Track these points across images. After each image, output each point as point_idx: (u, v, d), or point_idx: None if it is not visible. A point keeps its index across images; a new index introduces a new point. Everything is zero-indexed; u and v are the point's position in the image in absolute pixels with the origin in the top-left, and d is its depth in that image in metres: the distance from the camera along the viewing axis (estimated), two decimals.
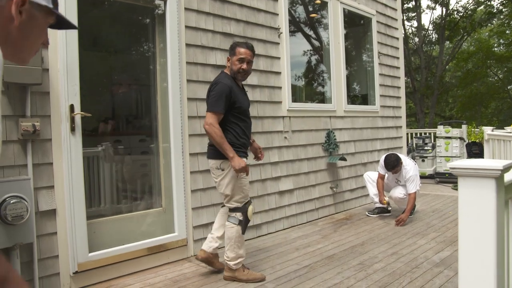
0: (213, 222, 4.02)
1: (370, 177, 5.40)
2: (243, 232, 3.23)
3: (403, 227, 4.75)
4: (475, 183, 1.53)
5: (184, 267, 3.58)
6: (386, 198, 5.12)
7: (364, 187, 5.80)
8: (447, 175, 7.60)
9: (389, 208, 5.24)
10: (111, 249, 3.33)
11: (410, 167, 4.91)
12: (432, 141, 8.69)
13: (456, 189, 7.19)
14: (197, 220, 3.92)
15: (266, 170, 4.59)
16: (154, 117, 3.92)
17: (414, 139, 8.83)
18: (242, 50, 3.22)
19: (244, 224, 3.22)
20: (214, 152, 3.19)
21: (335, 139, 5.48)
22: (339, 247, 4.09)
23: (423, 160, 8.17)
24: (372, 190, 5.35)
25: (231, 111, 3.18)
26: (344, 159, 5.43)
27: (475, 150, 7.08)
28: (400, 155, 5.01)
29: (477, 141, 8.02)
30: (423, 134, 9.30)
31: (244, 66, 3.22)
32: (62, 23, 1.09)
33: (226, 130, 3.15)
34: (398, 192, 5.03)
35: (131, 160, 4.13)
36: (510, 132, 6.17)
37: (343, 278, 3.30)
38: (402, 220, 4.78)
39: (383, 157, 5.08)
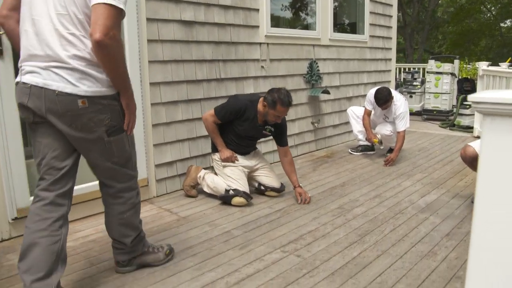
0: (179, 160, 3.65)
1: (355, 113, 4.97)
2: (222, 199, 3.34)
3: (387, 167, 4.42)
4: None
5: (144, 210, 3.20)
6: (378, 136, 4.71)
7: (347, 123, 5.40)
8: (435, 112, 7.24)
9: (382, 147, 4.85)
10: None
11: (400, 103, 4.48)
12: (422, 76, 8.23)
13: (444, 127, 6.94)
14: (159, 158, 3.49)
15: None
16: None
17: (402, 73, 8.37)
18: (283, 109, 3.18)
19: (221, 197, 3.33)
20: (212, 146, 3.51)
21: (318, 70, 4.97)
22: (318, 189, 3.74)
23: (410, 96, 7.75)
24: (357, 126, 4.96)
25: (232, 125, 3.33)
26: (328, 92, 4.97)
27: (466, 86, 6.68)
28: (392, 90, 4.55)
29: (469, 77, 7.59)
30: (412, 69, 8.82)
31: (279, 120, 3.27)
32: None
33: (225, 133, 3.37)
34: (385, 129, 4.64)
35: None
36: (508, 68, 5.74)
37: (319, 224, 2.96)
38: (392, 160, 4.43)
39: (372, 91, 4.61)
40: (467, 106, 6.37)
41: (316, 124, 5.06)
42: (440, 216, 3.09)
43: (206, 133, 3.52)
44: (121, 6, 1.68)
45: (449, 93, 7.17)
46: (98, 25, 1.63)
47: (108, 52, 1.69)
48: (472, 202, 3.35)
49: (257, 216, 3.11)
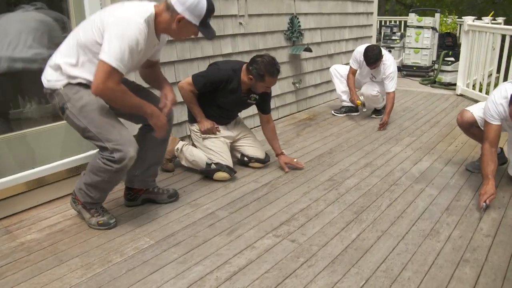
0: None
1: (338, 71, 4.68)
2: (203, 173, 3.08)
3: (373, 131, 4.20)
4: None
5: (117, 189, 2.87)
6: (361, 98, 4.46)
7: (329, 81, 5.12)
8: (414, 68, 7.03)
9: (364, 110, 4.61)
10: (19, 174, 2.54)
11: (390, 62, 4.20)
12: (401, 30, 7.94)
13: (425, 84, 6.76)
14: (129, 125, 3.12)
15: None
16: None
17: (382, 27, 8.05)
18: (272, 80, 2.91)
19: (202, 172, 3.07)
20: (189, 115, 3.18)
21: (299, 26, 4.60)
22: (304, 157, 3.50)
23: (389, 51, 7.47)
24: (340, 86, 4.68)
25: (214, 96, 3.00)
26: (310, 50, 4.63)
27: (448, 42, 6.45)
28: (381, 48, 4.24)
29: (450, 31, 7.37)
30: (392, 22, 8.50)
31: (269, 90, 3.05)
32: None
33: (205, 104, 3.03)
34: (371, 89, 4.38)
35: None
36: (490, 23, 5.52)
37: (310, 200, 2.74)
38: (386, 122, 4.20)
39: (359, 48, 4.30)
40: (449, 63, 6.18)
41: (297, 85, 4.75)
42: (436, 187, 2.93)
43: (181, 100, 3.17)
44: (113, 65, 1.94)
45: (429, 48, 6.94)
46: (94, 79, 1.97)
47: (107, 99, 2.07)
48: (467, 169, 3.19)
49: (243, 192, 2.85)
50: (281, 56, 4.49)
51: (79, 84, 2.12)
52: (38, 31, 2.70)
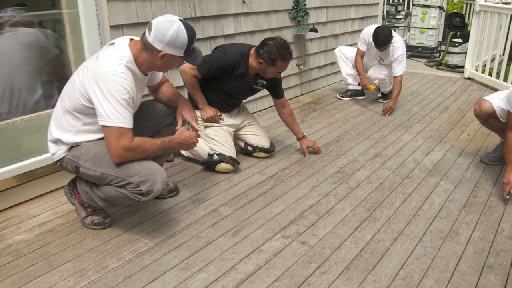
0: None
1: (343, 53, 4.45)
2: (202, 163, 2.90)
3: (381, 116, 4.02)
4: None
5: None
6: (376, 82, 4.20)
7: (334, 63, 4.90)
8: (420, 48, 6.79)
9: (379, 95, 4.29)
10: (6, 168, 2.33)
11: (399, 44, 3.98)
12: (405, 9, 7.66)
13: (431, 66, 6.53)
14: None
15: (219, 44, 3.48)
16: None
17: (385, 5, 7.74)
18: (284, 64, 2.69)
19: (203, 163, 2.88)
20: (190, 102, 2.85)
21: (304, 4, 4.34)
22: None
23: (393, 30, 7.21)
24: (346, 69, 4.46)
25: (218, 81, 2.80)
26: (316, 30, 4.39)
27: (455, 22, 6.19)
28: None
29: (458, 11, 7.09)
30: (396, 1, 8.20)
31: (279, 76, 2.83)
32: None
33: (208, 90, 2.84)
34: (379, 73, 4.17)
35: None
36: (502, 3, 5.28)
37: (320, 195, 2.57)
38: (391, 108, 4.01)
39: (368, 29, 4.07)
40: (456, 44, 5.94)
41: (301, 67, 4.53)
42: (451, 180, 2.76)
43: (182, 83, 2.96)
44: (118, 125, 1.83)
45: (435, 29, 6.68)
46: (109, 148, 1.88)
47: (131, 158, 1.91)
48: (481, 161, 3.03)
49: (247, 186, 2.68)
50: (286, 37, 4.18)
51: (82, 142, 2.02)
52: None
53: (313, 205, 2.46)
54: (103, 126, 1.85)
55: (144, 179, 1.90)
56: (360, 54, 4.15)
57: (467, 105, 4.35)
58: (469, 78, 5.41)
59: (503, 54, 4.63)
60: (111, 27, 2.68)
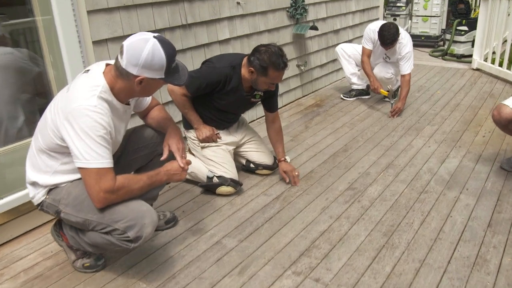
0: None
1: (345, 51, 4.21)
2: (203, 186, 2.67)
3: (389, 119, 3.79)
4: None
5: None
6: (389, 87, 3.88)
7: (335, 60, 4.66)
8: (423, 37, 6.53)
9: (392, 102, 3.89)
10: None
11: (406, 40, 3.73)
12: None
13: (435, 56, 6.28)
14: None
15: (214, 51, 3.28)
16: None
17: None
18: (277, 74, 2.39)
19: (203, 186, 2.67)
20: (184, 121, 2.74)
21: (303, 1, 4.09)
22: (317, 158, 3.10)
23: (394, 19, 6.95)
24: (349, 68, 4.23)
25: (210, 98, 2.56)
26: (316, 28, 4.14)
27: (460, 9, 5.93)
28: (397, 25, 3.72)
29: None
30: None
31: (273, 88, 2.50)
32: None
33: (201, 107, 2.61)
34: (385, 72, 3.93)
35: None
36: None
37: (331, 219, 2.36)
38: (399, 109, 3.78)
39: (372, 26, 3.82)
40: (462, 32, 5.69)
41: (302, 67, 4.29)
42: (471, 193, 2.56)
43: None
44: (95, 166, 1.62)
45: (439, 16, 6.42)
46: (89, 192, 1.66)
47: (116, 201, 1.69)
48: (502, 167, 2.82)
49: (252, 210, 2.47)
50: (284, 37, 4.01)
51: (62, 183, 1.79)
52: None
53: (324, 232, 2.25)
54: (79, 168, 1.63)
55: (131, 223, 1.69)
56: (367, 54, 3.89)
57: (478, 101, 4.13)
58: (477, 69, 5.17)
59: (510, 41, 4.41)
60: (94, 42, 2.45)
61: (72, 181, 1.78)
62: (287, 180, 2.72)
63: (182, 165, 1.91)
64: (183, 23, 2.97)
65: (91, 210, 1.71)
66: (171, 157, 1.96)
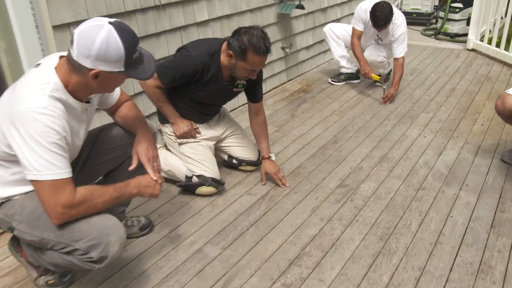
0: None
1: (334, 32, 3.95)
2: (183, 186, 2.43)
3: (381, 106, 3.58)
4: None
5: None
6: (380, 71, 3.63)
7: (322, 40, 4.40)
8: (414, 15, 6.27)
9: (384, 87, 3.65)
10: None
11: (400, 21, 3.48)
12: None
13: (428, 35, 6.04)
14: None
15: (192, 34, 3.01)
16: None
17: None
18: (257, 59, 2.12)
19: (181, 186, 2.43)
20: (159, 114, 2.49)
21: None
22: (305, 151, 2.88)
23: None
24: (337, 50, 3.98)
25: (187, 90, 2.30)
26: (302, 7, 3.87)
27: None
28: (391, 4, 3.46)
29: None
30: None
31: (254, 76, 2.22)
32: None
33: (178, 100, 2.35)
34: (376, 54, 3.70)
35: None
36: None
37: (322, 221, 2.16)
38: (392, 95, 3.56)
39: (363, 5, 3.55)
40: (456, 10, 5.45)
41: (287, 50, 4.03)
42: (471, 189, 2.38)
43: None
44: (49, 178, 1.38)
45: None
46: (44, 207, 1.42)
47: (76, 216, 1.46)
48: (503, 160, 2.65)
49: (235, 212, 2.26)
50: (268, 17, 3.73)
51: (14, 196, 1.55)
52: None
53: (315, 236, 2.05)
54: (31, 180, 1.39)
55: (93, 242, 1.46)
56: (358, 35, 3.64)
57: (475, 85, 3.93)
58: (473, 50, 4.95)
59: (505, 16, 4.19)
60: (55, 27, 2.16)
61: (26, 193, 1.54)
62: (264, 183, 2.48)
63: (154, 178, 1.68)
64: (156, 4, 2.69)
65: (48, 227, 1.48)
66: (142, 166, 1.71)
